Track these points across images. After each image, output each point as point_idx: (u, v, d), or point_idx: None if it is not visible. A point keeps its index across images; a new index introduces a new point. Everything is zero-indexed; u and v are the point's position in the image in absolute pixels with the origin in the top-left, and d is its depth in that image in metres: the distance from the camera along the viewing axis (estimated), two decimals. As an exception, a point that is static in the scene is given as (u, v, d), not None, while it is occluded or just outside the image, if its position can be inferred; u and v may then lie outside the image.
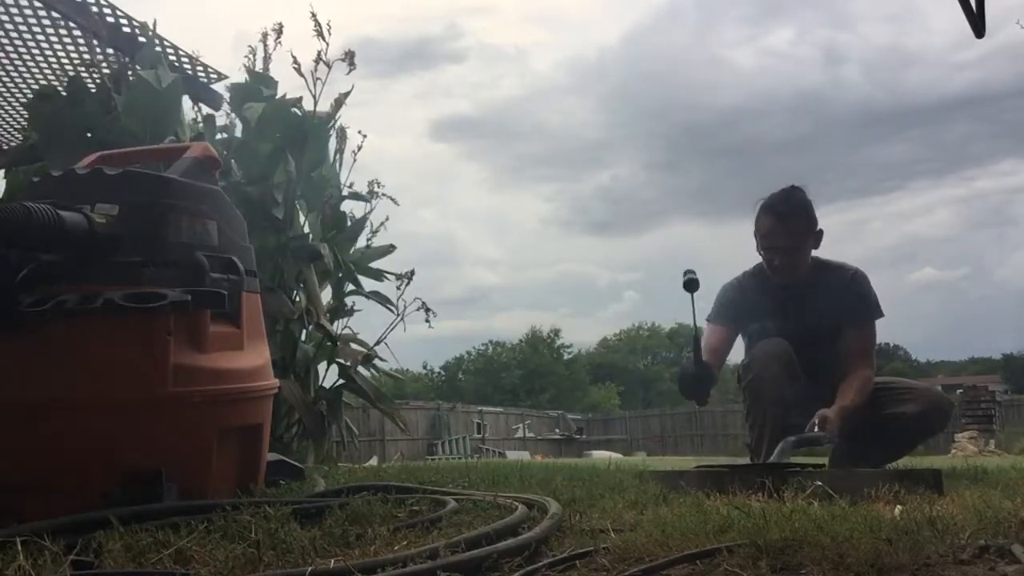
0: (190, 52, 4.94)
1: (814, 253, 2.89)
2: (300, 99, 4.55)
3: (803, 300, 2.85)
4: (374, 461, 9.52)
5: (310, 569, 1.17)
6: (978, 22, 1.68)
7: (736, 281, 2.99)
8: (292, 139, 4.40)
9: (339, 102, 4.65)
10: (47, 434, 1.77)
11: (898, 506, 1.68)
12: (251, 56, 4.78)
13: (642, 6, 75.70)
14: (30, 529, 1.34)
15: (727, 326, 2.94)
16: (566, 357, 39.46)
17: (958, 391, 15.15)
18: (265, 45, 4.75)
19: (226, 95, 4.93)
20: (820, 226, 2.86)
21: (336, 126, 4.92)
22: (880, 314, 2.87)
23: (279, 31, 4.70)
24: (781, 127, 61.85)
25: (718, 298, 2.99)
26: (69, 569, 1.18)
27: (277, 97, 4.67)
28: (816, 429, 2.53)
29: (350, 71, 4.54)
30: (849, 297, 2.84)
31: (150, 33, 4.64)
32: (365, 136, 5.03)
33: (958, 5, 1.68)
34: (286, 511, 1.60)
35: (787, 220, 2.78)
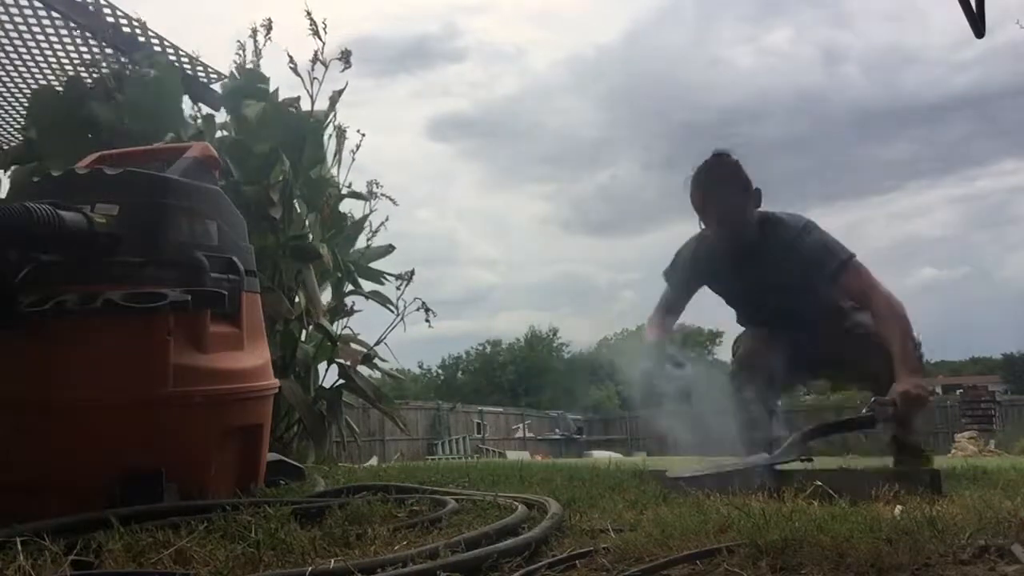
0: (190, 52, 4.94)
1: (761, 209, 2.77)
2: (298, 99, 4.55)
3: (753, 258, 2.76)
4: (374, 461, 9.50)
5: (310, 569, 1.17)
6: (978, 22, 1.68)
7: (690, 241, 2.93)
8: (288, 138, 4.40)
9: (333, 101, 4.63)
10: (47, 434, 1.78)
11: (898, 506, 1.68)
12: (241, 52, 4.77)
13: (641, 5, 75.71)
14: (30, 529, 1.34)
15: (680, 287, 2.96)
16: (565, 356, 39.46)
17: (958, 391, 15.15)
18: (255, 41, 4.74)
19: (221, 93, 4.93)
20: (756, 185, 2.72)
21: (334, 124, 4.92)
22: (849, 252, 2.66)
23: (268, 27, 4.69)
24: (780, 127, 61.82)
25: (674, 258, 2.99)
26: (69, 569, 1.18)
27: (271, 93, 4.66)
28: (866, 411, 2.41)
29: (344, 69, 4.53)
30: (807, 255, 2.67)
31: (149, 32, 4.64)
32: (364, 135, 5.03)
33: (958, 5, 1.68)
34: (286, 511, 1.60)
35: (716, 190, 2.70)
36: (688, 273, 2.92)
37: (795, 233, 2.72)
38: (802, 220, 2.76)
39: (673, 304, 2.99)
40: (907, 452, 2.71)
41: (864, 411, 2.39)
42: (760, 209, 2.77)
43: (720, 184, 2.70)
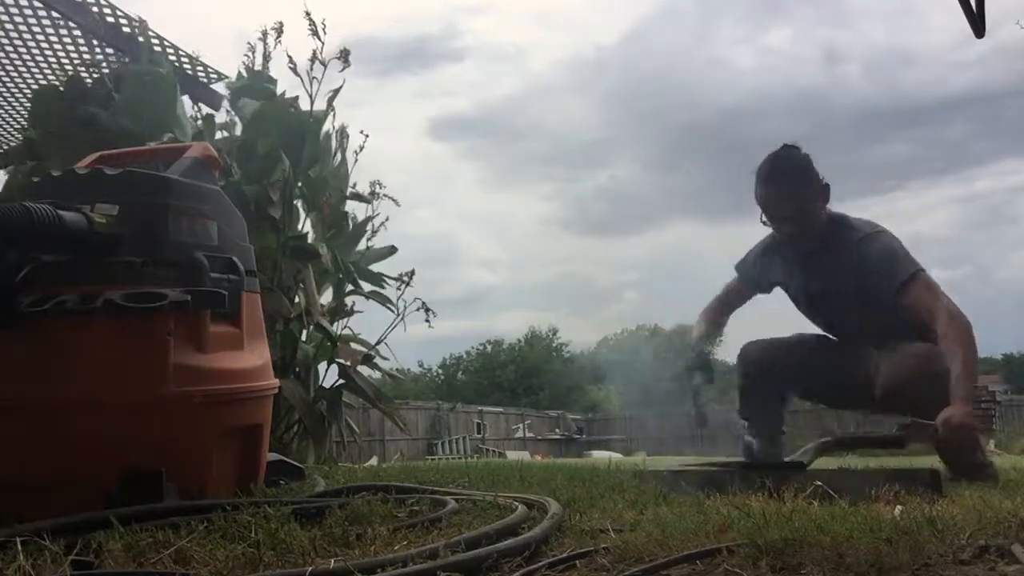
0: (190, 52, 4.95)
1: (837, 209, 2.65)
2: (297, 98, 4.56)
3: (817, 260, 2.65)
4: (374, 461, 9.52)
5: (310, 569, 1.17)
6: (978, 22, 1.69)
7: (765, 239, 2.82)
8: (287, 138, 4.40)
9: (330, 100, 4.62)
10: (47, 434, 1.78)
11: (898, 506, 1.68)
12: (251, 55, 4.78)
13: (641, 5, 75.75)
14: (30, 529, 1.34)
15: (744, 282, 2.89)
16: (565, 356, 39.47)
17: (958, 391, 15.11)
18: (265, 44, 4.76)
19: (226, 93, 4.94)
20: (824, 180, 2.61)
21: (335, 125, 4.92)
22: (918, 265, 2.47)
23: (279, 30, 4.70)
24: (781, 127, 61.83)
25: (748, 253, 2.89)
26: (69, 569, 1.18)
27: (279, 95, 4.67)
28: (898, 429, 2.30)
29: (344, 68, 4.53)
30: (873, 261, 2.51)
31: (149, 33, 4.65)
32: (367, 136, 5.04)
33: (958, 5, 1.68)
34: (286, 511, 1.60)
35: (780, 186, 2.59)
36: (755, 269, 2.84)
37: (862, 236, 2.58)
38: (875, 226, 2.62)
39: (733, 298, 2.92)
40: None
41: (895, 429, 2.29)
42: (832, 210, 2.65)
43: (783, 178, 2.58)
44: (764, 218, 2.64)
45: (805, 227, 2.60)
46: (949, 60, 60.82)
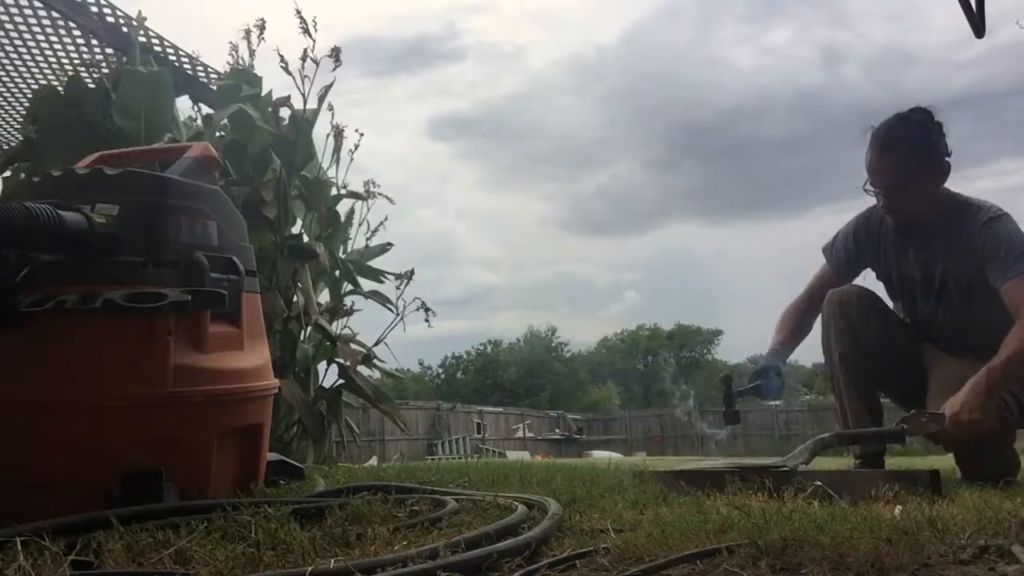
0: (189, 52, 4.95)
1: (953, 189, 2.42)
2: (288, 97, 4.54)
3: (925, 245, 2.41)
4: (374, 461, 9.51)
5: (310, 569, 1.17)
6: (978, 22, 1.69)
7: (851, 222, 2.60)
8: (276, 138, 4.39)
9: (322, 97, 4.59)
10: (47, 434, 1.78)
11: (898, 506, 1.68)
12: (235, 53, 4.77)
13: (641, 5, 75.91)
14: (30, 529, 1.34)
15: (836, 268, 2.62)
16: (566, 355, 39.51)
17: (958, 391, 15.10)
18: (248, 42, 4.74)
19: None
20: (947, 156, 2.37)
21: (334, 123, 4.92)
22: None
23: (262, 27, 4.69)
24: (781, 127, 61.78)
25: (837, 234, 2.63)
26: (69, 569, 1.18)
27: (263, 95, 4.65)
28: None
29: (335, 67, 4.51)
30: (985, 247, 2.28)
31: (148, 31, 4.64)
32: (363, 135, 5.04)
33: (958, 5, 1.68)
34: (286, 511, 1.60)
35: (888, 154, 2.33)
36: (848, 251, 2.59)
37: (984, 220, 2.33)
38: (999, 210, 2.36)
39: (826, 288, 2.61)
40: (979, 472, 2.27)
41: (897, 423, 2.20)
42: (951, 189, 2.42)
43: (892, 148, 2.33)
44: (868, 187, 2.41)
45: (908, 203, 2.37)
46: (949, 60, 60.87)
